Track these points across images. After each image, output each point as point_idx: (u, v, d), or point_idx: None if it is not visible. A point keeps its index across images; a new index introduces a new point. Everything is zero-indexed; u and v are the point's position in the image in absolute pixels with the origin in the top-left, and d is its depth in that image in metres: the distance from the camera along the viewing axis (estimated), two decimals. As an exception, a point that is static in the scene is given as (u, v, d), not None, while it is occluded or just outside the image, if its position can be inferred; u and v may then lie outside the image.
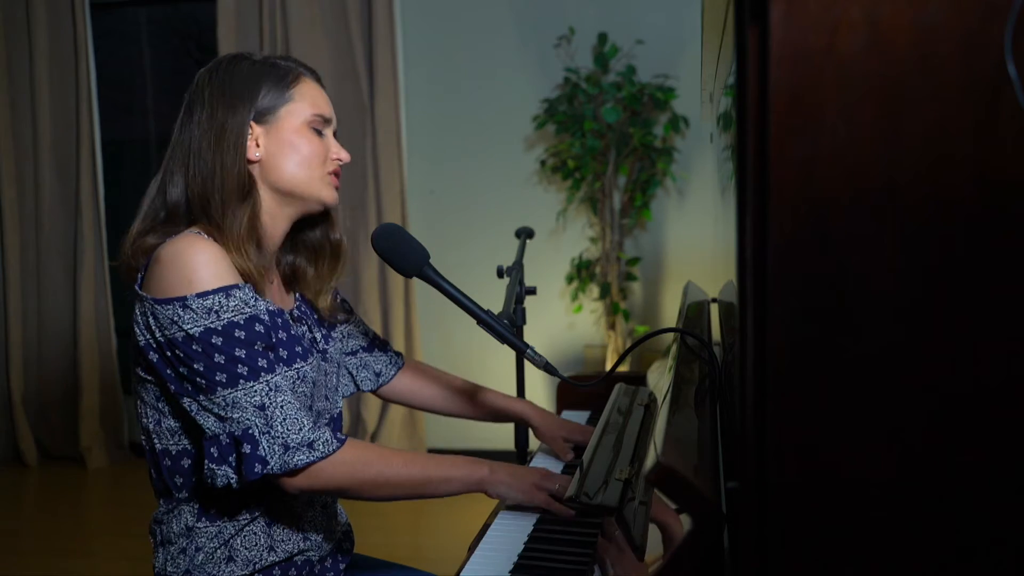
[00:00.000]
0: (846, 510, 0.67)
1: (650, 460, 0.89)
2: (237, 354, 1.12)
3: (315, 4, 3.80)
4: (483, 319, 1.30)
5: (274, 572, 1.25)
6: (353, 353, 1.50)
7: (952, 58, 0.63)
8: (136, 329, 1.17)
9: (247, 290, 1.16)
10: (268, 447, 1.11)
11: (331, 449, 1.14)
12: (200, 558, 1.21)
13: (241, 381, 1.12)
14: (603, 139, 3.58)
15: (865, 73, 0.64)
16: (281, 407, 1.13)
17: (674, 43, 3.66)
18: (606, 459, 1.22)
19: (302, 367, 1.23)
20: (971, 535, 0.66)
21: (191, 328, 1.11)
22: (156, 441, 1.22)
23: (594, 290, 3.74)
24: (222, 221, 1.18)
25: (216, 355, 1.11)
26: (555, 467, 1.47)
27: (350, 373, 1.49)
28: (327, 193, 1.27)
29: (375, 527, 3.12)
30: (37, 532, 3.43)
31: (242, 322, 1.14)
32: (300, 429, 1.13)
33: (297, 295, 1.36)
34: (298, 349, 1.24)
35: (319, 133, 1.27)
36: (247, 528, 1.23)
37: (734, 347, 0.82)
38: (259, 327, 1.15)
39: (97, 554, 3.15)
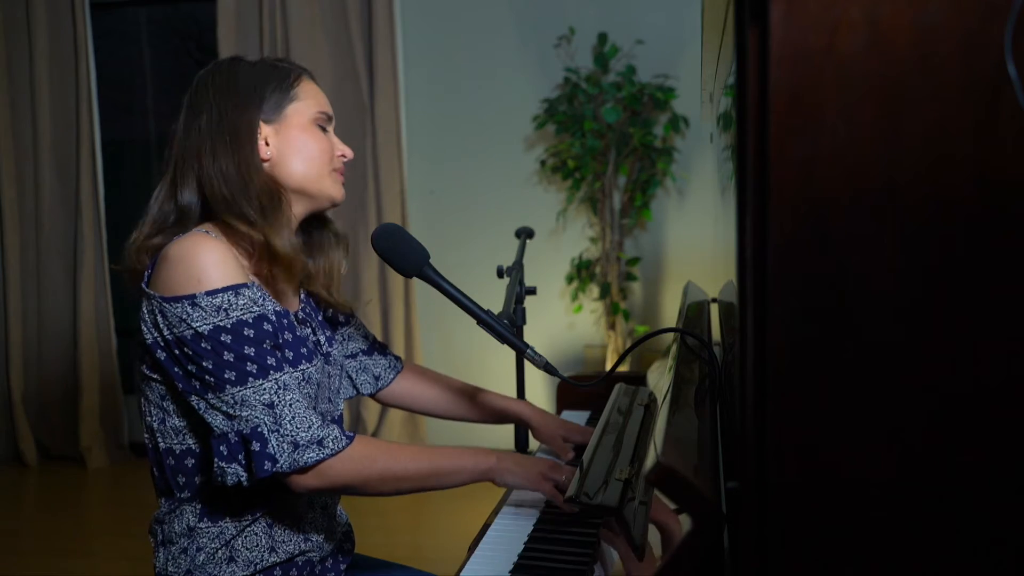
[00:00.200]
0: (846, 510, 0.67)
1: (650, 460, 0.89)
2: (246, 352, 1.12)
3: (315, 4, 3.80)
4: (483, 319, 1.30)
5: (275, 573, 1.25)
6: (353, 356, 1.50)
7: (952, 58, 0.63)
8: (143, 327, 1.17)
9: (255, 289, 1.17)
10: (277, 445, 1.11)
11: (340, 446, 1.14)
12: (201, 558, 1.21)
13: (250, 379, 1.12)
14: (603, 139, 3.58)
15: (865, 73, 0.64)
16: (290, 405, 1.13)
17: (674, 43, 3.66)
18: (606, 459, 1.22)
19: (307, 369, 1.23)
20: (971, 535, 0.66)
21: (200, 326, 1.12)
22: (160, 440, 1.22)
23: (594, 290, 3.74)
24: (261, 219, 1.19)
25: (225, 353, 1.12)
26: (555, 467, 1.47)
27: (349, 376, 1.49)
28: (335, 190, 1.30)
29: (375, 527, 3.12)
30: (37, 532, 3.43)
31: (251, 320, 1.14)
32: (309, 427, 1.13)
33: (303, 296, 1.36)
34: (303, 351, 1.24)
35: (323, 130, 1.29)
36: (248, 529, 1.23)
37: (734, 347, 0.82)
38: (267, 326, 1.16)
39: (97, 554, 3.15)
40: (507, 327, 1.32)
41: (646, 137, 3.57)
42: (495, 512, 1.28)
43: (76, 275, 4.08)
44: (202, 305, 1.12)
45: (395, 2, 3.78)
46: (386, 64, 3.77)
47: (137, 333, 1.19)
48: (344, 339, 1.48)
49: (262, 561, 1.23)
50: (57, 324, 4.16)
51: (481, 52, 3.86)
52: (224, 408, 1.12)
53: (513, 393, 1.83)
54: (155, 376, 1.20)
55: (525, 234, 1.87)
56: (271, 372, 1.13)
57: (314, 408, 1.26)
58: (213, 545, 1.22)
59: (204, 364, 1.12)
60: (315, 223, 1.36)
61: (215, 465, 1.13)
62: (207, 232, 1.18)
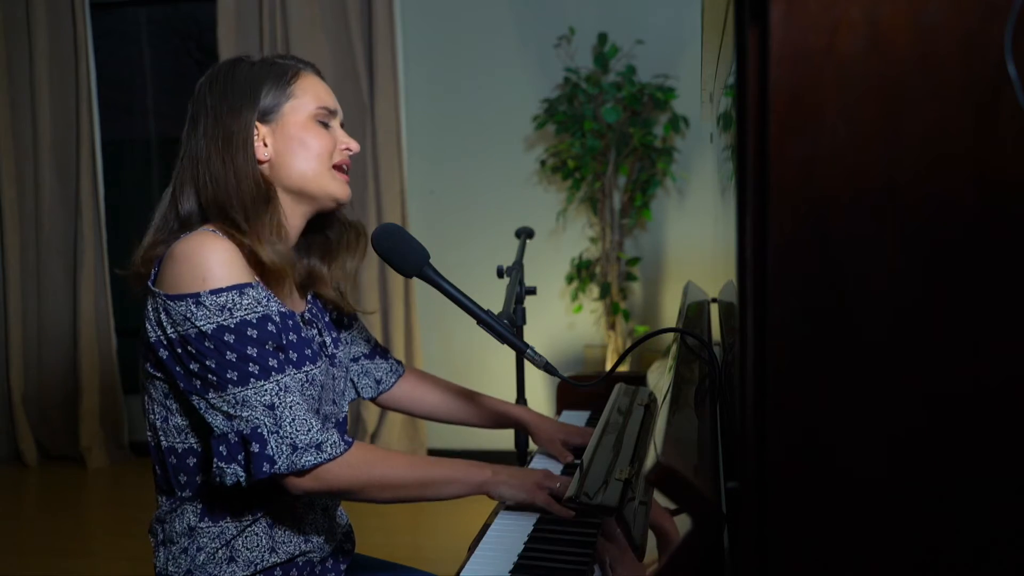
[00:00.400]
0: (846, 510, 0.67)
1: (650, 460, 0.89)
2: (249, 352, 1.12)
3: (315, 4, 3.80)
4: (483, 319, 1.30)
5: (275, 573, 1.24)
6: (355, 360, 1.50)
7: (952, 58, 0.63)
8: (147, 325, 1.17)
9: (260, 289, 1.17)
10: (276, 447, 1.11)
11: (339, 451, 1.14)
12: (201, 558, 1.21)
13: (252, 379, 1.12)
14: (603, 139, 3.58)
15: (865, 73, 0.64)
16: (290, 407, 1.13)
17: (674, 43, 3.66)
18: (606, 459, 1.22)
19: (311, 370, 1.23)
20: (971, 535, 0.66)
21: (204, 325, 1.12)
22: (162, 438, 1.22)
23: (594, 290, 3.74)
24: (248, 224, 1.18)
25: (228, 353, 1.12)
26: (554, 469, 1.47)
27: (351, 380, 1.49)
28: (337, 188, 1.27)
29: (376, 527, 3.12)
30: (37, 532, 3.43)
31: (255, 320, 1.14)
32: (309, 430, 1.13)
33: (309, 298, 1.36)
34: (308, 352, 1.24)
35: (325, 125, 1.27)
36: (249, 529, 1.23)
37: (734, 347, 0.82)
38: (271, 327, 1.16)
39: (97, 554, 3.15)
40: (507, 327, 1.32)
41: (646, 137, 3.57)
42: (495, 512, 1.28)
43: (76, 275, 4.08)
44: (206, 304, 1.12)
45: (395, 2, 3.78)
46: (386, 64, 3.77)
47: (141, 331, 1.19)
48: (347, 343, 1.48)
49: (262, 561, 1.23)
50: (57, 324, 4.16)
51: (481, 52, 3.86)
52: (225, 408, 1.12)
53: (513, 393, 1.83)
54: (158, 374, 1.20)
55: (525, 234, 1.87)
56: (273, 373, 1.13)
57: (317, 411, 1.26)
58: (213, 545, 1.22)
59: (207, 363, 1.12)
60: (329, 222, 1.35)
61: (214, 465, 1.13)
62: (213, 231, 1.18)
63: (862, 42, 0.64)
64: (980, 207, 0.63)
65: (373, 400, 1.54)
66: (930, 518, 0.66)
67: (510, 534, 1.19)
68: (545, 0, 3.78)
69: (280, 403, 1.13)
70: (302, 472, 1.13)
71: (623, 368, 3.31)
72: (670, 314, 3.76)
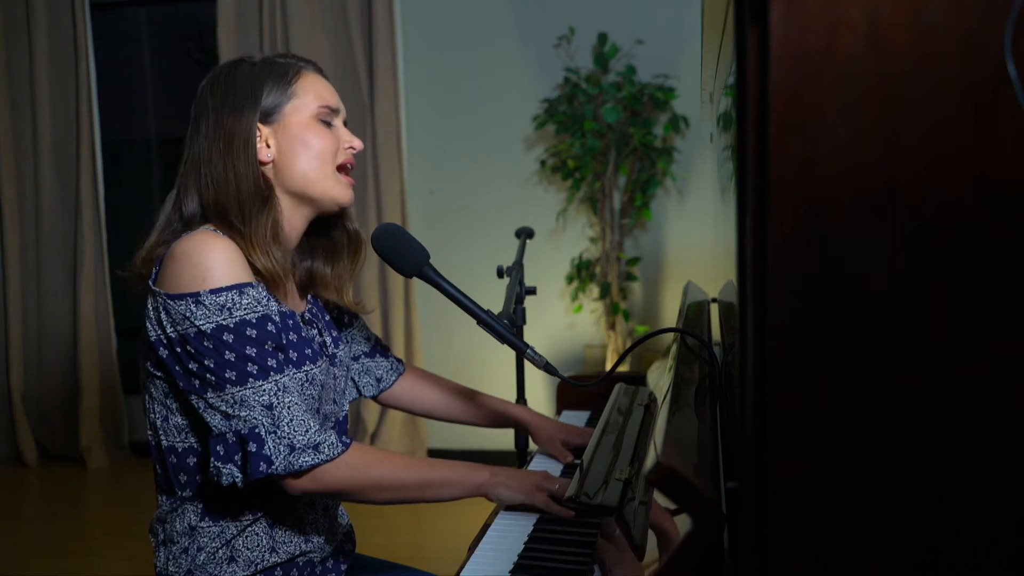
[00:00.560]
0: (846, 510, 0.67)
1: (650, 460, 0.89)
2: (248, 352, 1.12)
3: (315, 4, 3.80)
4: (483, 319, 1.30)
5: (276, 573, 1.24)
6: (355, 358, 1.50)
7: (952, 58, 0.63)
8: (147, 324, 1.17)
9: (260, 289, 1.17)
10: (274, 447, 1.11)
11: (336, 452, 1.14)
12: (202, 558, 1.21)
13: (250, 380, 1.12)
14: (603, 139, 3.58)
15: (865, 73, 0.64)
16: (288, 408, 1.13)
17: (674, 43, 3.66)
18: (606, 459, 1.22)
19: (311, 370, 1.23)
20: (971, 535, 0.66)
21: (203, 324, 1.12)
22: (163, 437, 1.22)
23: (594, 290, 3.74)
24: (243, 227, 1.18)
25: (227, 352, 1.12)
26: (554, 469, 1.47)
27: (352, 378, 1.49)
28: (339, 191, 1.27)
29: (376, 528, 3.12)
30: (37, 532, 3.43)
31: (254, 320, 1.14)
32: (307, 431, 1.13)
33: (309, 298, 1.36)
34: (308, 352, 1.24)
35: (328, 124, 1.26)
36: (249, 529, 1.23)
37: (734, 347, 0.82)
38: (271, 326, 1.16)
39: (97, 554, 3.15)
40: (507, 327, 1.32)
41: (646, 137, 3.57)
42: (495, 512, 1.28)
43: (76, 275, 4.08)
44: (206, 303, 1.12)
45: (395, 2, 3.78)
46: (386, 64, 3.77)
47: (141, 330, 1.19)
48: (348, 341, 1.48)
49: (263, 561, 1.23)
50: (57, 324, 4.16)
51: (481, 52, 3.86)
52: (223, 408, 1.12)
53: (513, 393, 1.83)
54: (158, 373, 1.20)
55: (525, 234, 1.87)
56: (271, 373, 1.13)
57: (317, 410, 1.26)
58: (214, 544, 1.22)
59: (205, 363, 1.12)
60: (332, 225, 1.34)
61: (211, 464, 1.13)
62: (214, 230, 1.18)
63: (862, 42, 0.64)
64: (980, 207, 0.63)
65: (374, 398, 1.54)
66: (930, 518, 0.66)
67: (510, 534, 1.19)
68: (545, 0, 3.78)
69: (278, 403, 1.12)
70: (299, 473, 1.13)
71: (623, 368, 3.31)
72: (670, 314, 3.76)
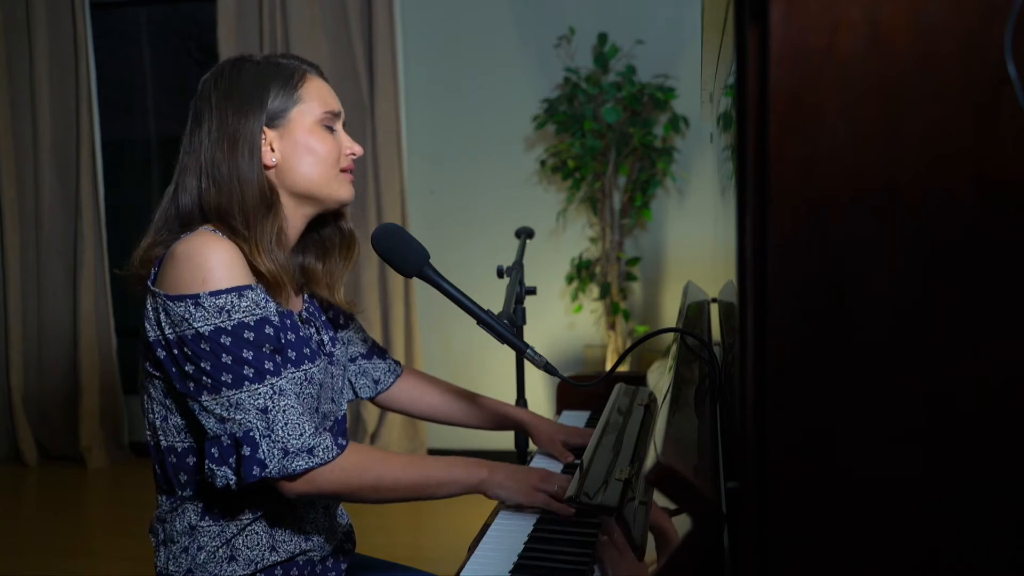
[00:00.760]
0: (846, 510, 0.67)
1: (650, 460, 0.89)
2: (244, 355, 1.12)
3: (315, 4, 3.80)
4: (483, 319, 1.30)
5: (276, 572, 1.25)
6: (352, 360, 1.50)
7: (952, 58, 0.63)
8: (146, 324, 1.17)
9: (259, 291, 1.17)
10: (268, 451, 1.11)
11: (331, 456, 1.14)
12: (202, 557, 1.21)
13: (246, 383, 1.12)
14: (603, 139, 3.58)
15: (865, 73, 0.64)
16: (284, 411, 1.13)
17: (674, 43, 3.66)
18: (606, 459, 1.22)
19: (310, 369, 1.23)
20: (971, 535, 0.66)
21: (201, 326, 1.11)
22: (162, 438, 1.22)
23: (594, 290, 3.74)
24: (247, 231, 1.18)
25: (224, 355, 1.11)
26: (555, 468, 1.47)
27: (349, 380, 1.49)
28: (344, 191, 1.28)
29: (376, 527, 3.12)
30: (37, 532, 3.43)
31: (252, 323, 1.14)
32: (301, 434, 1.13)
33: (306, 297, 1.36)
34: (306, 351, 1.24)
35: (331, 129, 1.27)
36: (249, 528, 1.23)
37: (734, 347, 0.82)
38: (268, 329, 1.15)
39: (97, 554, 3.15)
40: (507, 327, 1.32)
41: (646, 137, 3.57)
42: (495, 512, 1.28)
43: (76, 275, 4.08)
44: (205, 305, 1.12)
45: (395, 2, 3.78)
46: (386, 64, 3.77)
47: (141, 330, 1.19)
48: (344, 343, 1.48)
49: (263, 560, 1.23)
50: (57, 324, 4.16)
51: (481, 52, 3.86)
52: (218, 410, 1.12)
53: (513, 393, 1.83)
54: (157, 374, 1.20)
55: (525, 234, 1.87)
56: (267, 377, 1.13)
57: (315, 409, 1.26)
58: (214, 544, 1.22)
59: (202, 365, 1.12)
60: (325, 222, 1.35)
61: (206, 466, 1.13)
62: (214, 231, 1.18)
63: (862, 42, 0.64)
64: (980, 207, 0.63)
65: (371, 400, 1.54)
66: (930, 518, 0.66)
67: (510, 534, 1.19)
68: (545, 0, 3.78)
69: (273, 407, 1.12)
70: (293, 476, 1.13)
71: (623, 368, 3.31)
72: (670, 314, 3.76)
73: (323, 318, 1.39)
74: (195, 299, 1.12)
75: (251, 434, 1.11)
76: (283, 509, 1.25)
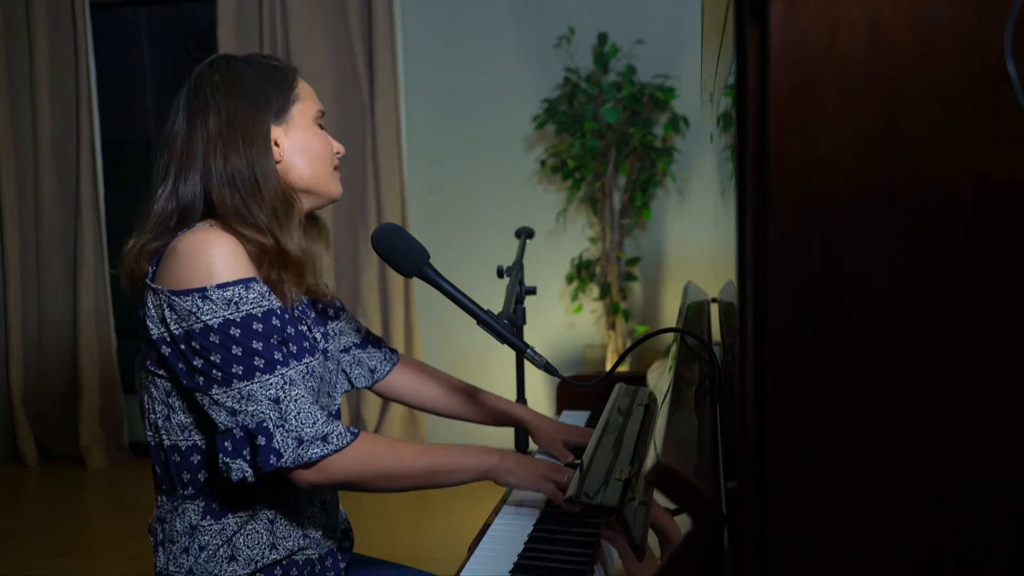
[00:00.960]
0: (846, 510, 0.67)
1: (650, 460, 0.89)
2: (254, 346, 1.12)
3: (315, 4, 3.80)
4: (483, 319, 1.30)
5: (275, 571, 1.25)
6: (346, 350, 1.50)
7: (952, 58, 0.63)
8: (148, 323, 1.17)
9: (263, 284, 1.17)
10: (282, 440, 1.11)
11: (344, 442, 1.15)
12: (203, 557, 1.21)
13: (257, 374, 1.12)
14: (603, 139, 3.58)
15: (865, 73, 0.64)
16: (295, 400, 1.13)
17: (674, 43, 3.66)
18: (606, 459, 1.22)
19: (311, 362, 1.24)
20: (971, 535, 0.66)
21: (210, 319, 1.12)
22: (164, 437, 1.22)
23: (594, 290, 3.74)
24: (273, 223, 1.19)
25: (234, 347, 1.12)
26: (555, 467, 1.47)
27: (344, 371, 1.49)
28: (337, 188, 1.33)
29: (376, 527, 3.12)
30: (37, 532, 3.42)
31: (260, 315, 1.14)
32: (314, 423, 1.13)
33: (298, 295, 1.36)
34: (306, 344, 1.24)
35: (321, 128, 1.31)
36: (249, 526, 1.23)
37: (734, 347, 0.82)
38: (275, 320, 1.16)
39: (97, 554, 3.15)
40: (507, 327, 1.32)
41: (646, 137, 3.57)
42: (495, 512, 1.28)
43: (76, 275, 4.08)
44: (212, 298, 1.12)
45: (395, 2, 3.78)
46: (386, 64, 3.77)
47: (140, 329, 1.19)
48: (336, 334, 1.48)
49: (263, 559, 1.23)
50: (57, 324, 4.16)
51: (481, 52, 3.86)
52: (229, 403, 1.12)
53: (513, 393, 1.83)
54: (160, 372, 1.20)
55: (525, 234, 1.87)
56: (278, 367, 1.14)
57: (315, 402, 1.26)
58: (215, 543, 1.22)
59: (212, 358, 1.12)
60: (307, 219, 1.36)
61: (220, 461, 1.13)
62: (211, 226, 1.18)
63: (862, 42, 0.64)
64: (980, 207, 0.63)
65: (369, 389, 1.54)
66: (930, 518, 0.66)
67: (510, 534, 1.19)
68: (545, 0, 3.78)
69: (285, 396, 1.13)
70: (308, 465, 1.13)
71: (623, 368, 3.31)
72: (670, 314, 3.76)
73: (313, 315, 1.39)
74: (202, 292, 1.12)
75: (264, 424, 1.11)
76: (283, 506, 1.25)
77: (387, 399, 1.61)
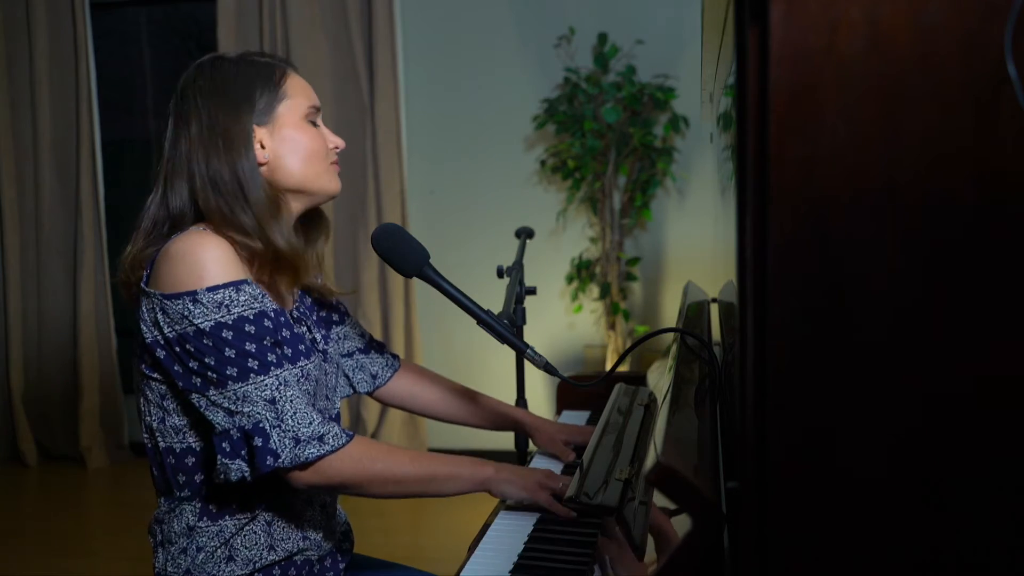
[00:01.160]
0: (846, 510, 0.67)
1: (650, 460, 0.89)
2: (247, 348, 1.12)
3: (315, 4, 3.80)
4: (483, 319, 1.30)
5: (274, 572, 1.25)
6: (349, 355, 1.50)
7: (952, 58, 0.63)
8: (142, 326, 1.17)
9: (255, 286, 1.17)
10: (279, 440, 1.11)
11: (341, 443, 1.14)
12: (201, 557, 1.21)
13: (251, 375, 1.12)
14: (603, 139, 3.58)
15: (865, 73, 0.64)
16: (291, 401, 1.13)
17: (674, 43, 3.66)
18: (606, 459, 1.22)
19: (306, 365, 1.23)
20: (971, 535, 0.66)
21: (201, 322, 1.12)
22: (160, 439, 1.22)
23: (594, 290, 3.74)
24: (257, 226, 1.19)
25: (227, 349, 1.12)
26: (555, 468, 1.47)
27: (346, 375, 1.49)
28: (333, 184, 1.30)
29: (376, 528, 3.12)
30: (37, 532, 3.42)
31: (252, 316, 1.14)
32: (311, 423, 1.13)
33: (297, 296, 1.36)
34: (302, 347, 1.24)
35: (315, 124, 1.29)
36: (247, 527, 1.23)
37: (734, 347, 0.82)
38: (267, 322, 1.16)
39: (97, 554, 3.15)
40: (507, 327, 1.32)
41: (646, 137, 3.57)
42: (495, 512, 1.28)
43: (76, 275, 4.08)
44: (203, 301, 1.12)
45: (395, 2, 3.78)
46: (386, 64, 3.77)
47: (136, 333, 1.19)
48: (340, 338, 1.48)
49: (261, 560, 1.23)
50: (57, 324, 4.16)
51: (481, 52, 3.86)
52: (226, 404, 1.13)
53: (513, 393, 1.83)
54: (155, 375, 1.20)
55: (525, 234, 1.87)
56: (272, 368, 1.14)
57: (312, 405, 1.26)
58: (213, 544, 1.22)
59: (206, 360, 1.12)
60: (309, 212, 1.35)
61: (218, 462, 1.13)
62: (204, 229, 1.18)
63: (862, 42, 0.64)
64: (980, 207, 0.63)
65: (371, 394, 1.54)
66: (930, 518, 0.66)
67: (510, 534, 1.19)
68: (545, 0, 3.78)
69: (280, 397, 1.13)
70: (305, 465, 1.13)
71: (623, 368, 3.31)
72: (670, 314, 3.76)
73: (314, 317, 1.39)
74: (192, 296, 1.12)
75: (261, 425, 1.11)
76: (281, 508, 1.25)
77: (387, 405, 1.61)
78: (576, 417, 1.76)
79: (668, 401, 1.08)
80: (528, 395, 1.93)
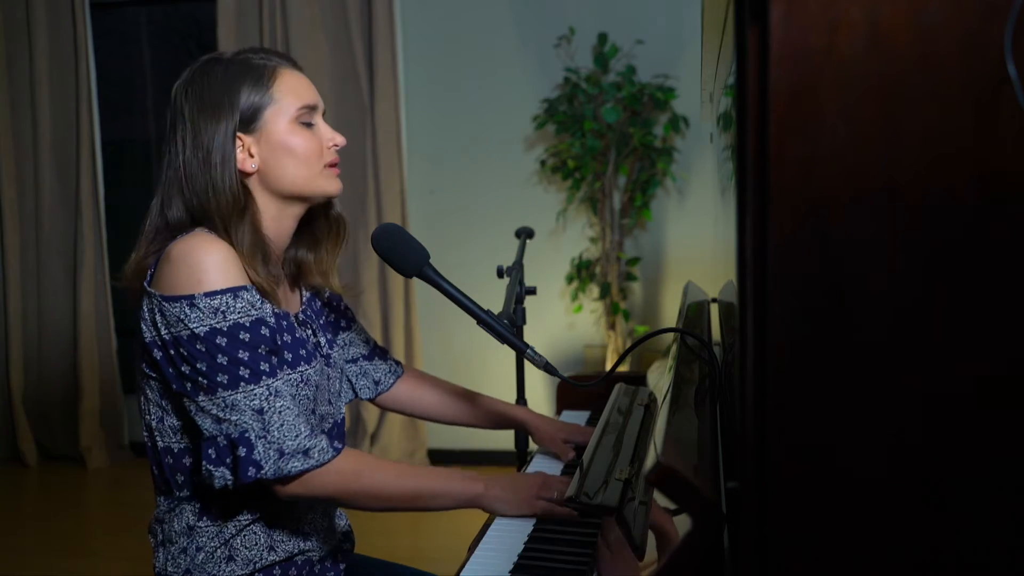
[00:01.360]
0: (846, 510, 0.67)
1: (650, 460, 0.89)
2: (240, 356, 1.12)
3: (315, 4, 3.80)
4: (483, 319, 1.30)
5: (274, 572, 1.25)
6: (353, 361, 1.50)
7: (952, 58, 0.63)
8: (143, 325, 1.17)
9: (254, 292, 1.16)
10: (263, 452, 1.11)
11: (326, 458, 1.14)
12: (201, 557, 1.21)
13: (242, 384, 1.12)
14: (603, 139, 3.58)
15: (865, 73, 0.64)
16: (279, 412, 1.13)
17: (674, 43, 3.66)
18: (606, 459, 1.22)
19: (306, 370, 1.23)
20: (971, 535, 0.66)
21: (196, 327, 1.11)
22: (159, 438, 1.22)
23: (594, 290, 3.74)
24: (228, 239, 1.18)
25: (219, 356, 1.11)
26: (555, 467, 1.47)
27: (349, 381, 1.49)
28: (330, 185, 1.26)
29: (376, 529, 3.12)
30: (37, 532, 3.43)
31: (247, 324, 1.14)
32: (296, 436, 1.13)
33: (304, 299, 1.36)
34: (302, 352, 1.24)
35: (309, 125, 1.24)
36: (247, 528, 1.23)
37: (734, 347, 0.82)
38: (264, 330, 1.15)
39: (97, 554, 3.15)
40: (507, 327, 1.32)
41: (646, 137, 3.57)
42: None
43: (76, 275, 4.08)
44: (200, 306, 1.12)
45: (395, 2, 3.78)
46: (386, 64, 3.77)
47: (137, 331, 1.19)
48: (345, 344, 1.48)
49: (261, 560, 1.23)
50: (57, 324, 4.16)
51: (481, 52, 3.86)
52: (214, 411, 1.12)
53: (513, 393, 1.83)
54: (153, 375, 1.20)
55: (525, 234, 1.87)
56: (263, 377, 1.13)
57: (312, 411, 1.26)
58: (212, 544, 1.22)
59: (197, 366, 1.12)
60: (313, 216, 1.33)
61: (203, 467, 1.13)
62: (208, 232, 1.17)
63: (862, 42, 0.64)
64: (980, 207, 0.63)
65: (372, 401, 1.54)
66: (930, 518, 0.66)
67: (510, 534, 1.19)
68: (545, 0, 3.78)
69: (269, 408, 1.12)
70: (288, 478, 1.13)
71: (623, 368, 3.31)
72: (670, 314, 3.75)
73: (321, 320, 1.39)
74: (190, 300, 1.12)
75: (247, 435, 1.11)
76: (281, 509, 1.25)
77: (388, 410, 1.60)
78: (576, 417, 1.76)
79: (668, 401, 1.08)
80: (528, 395, 1.93)
